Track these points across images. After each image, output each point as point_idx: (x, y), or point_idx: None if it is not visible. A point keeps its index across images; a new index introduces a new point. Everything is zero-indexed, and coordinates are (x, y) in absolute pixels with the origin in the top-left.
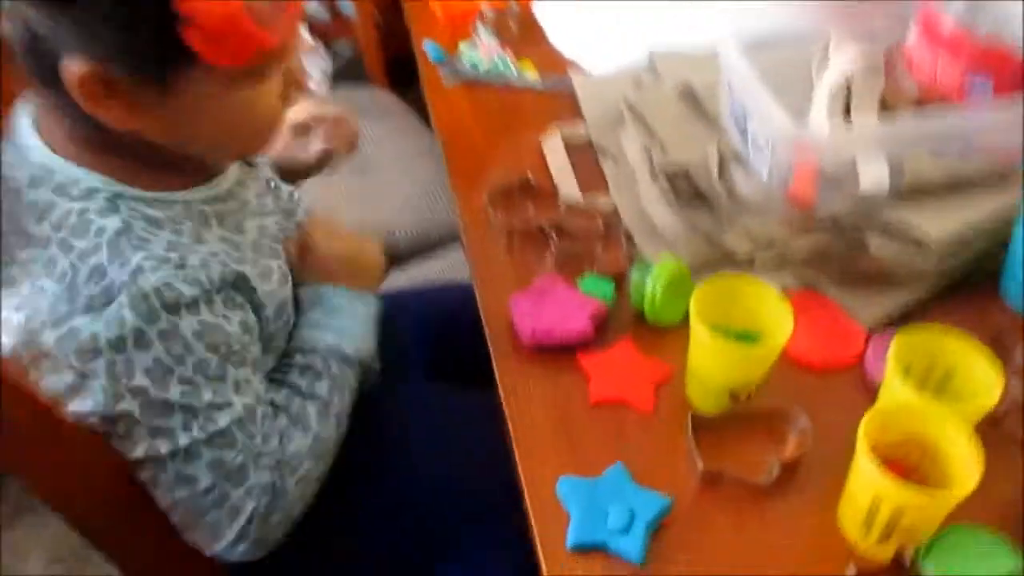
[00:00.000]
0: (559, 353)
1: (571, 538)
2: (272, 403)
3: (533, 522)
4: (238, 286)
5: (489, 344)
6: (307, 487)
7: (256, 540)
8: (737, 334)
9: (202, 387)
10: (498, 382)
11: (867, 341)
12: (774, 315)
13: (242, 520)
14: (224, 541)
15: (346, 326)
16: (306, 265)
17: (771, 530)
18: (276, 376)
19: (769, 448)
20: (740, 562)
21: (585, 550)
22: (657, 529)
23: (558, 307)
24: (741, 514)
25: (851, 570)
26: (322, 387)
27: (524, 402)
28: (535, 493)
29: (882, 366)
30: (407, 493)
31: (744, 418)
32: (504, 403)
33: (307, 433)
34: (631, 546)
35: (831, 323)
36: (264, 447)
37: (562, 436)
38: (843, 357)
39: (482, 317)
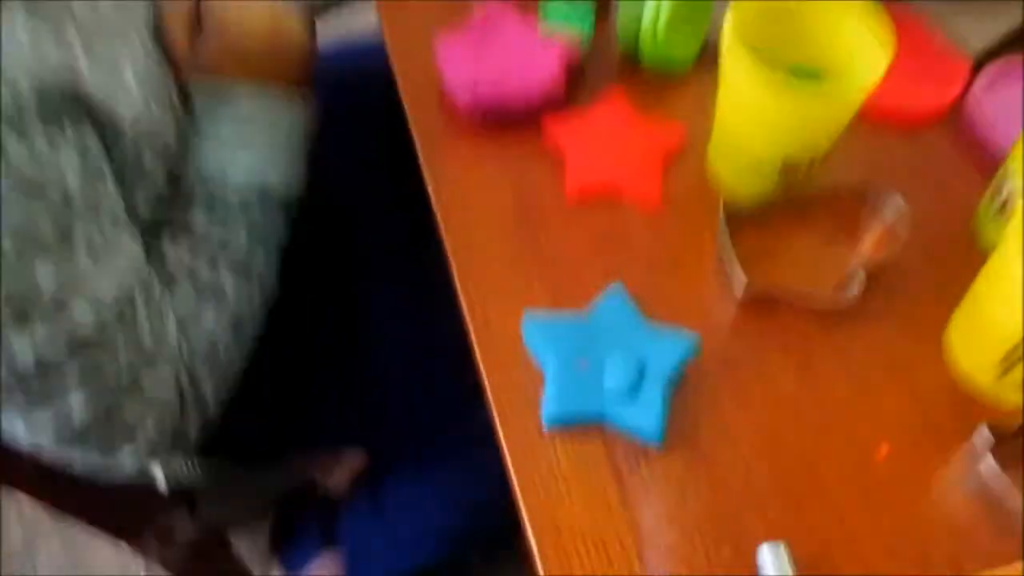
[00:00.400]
0: (514, 124)
1: (548, 410)
2: (161, 271)
3: (488, 388)
4: (67, 100)
5: (408, 118)
6: (228, 377)
7: (168, 453)
8: (792, 70)
9: (34, 266)
10: (425, 176)
11: (971, 78)
12: (857, 39)
13: (140, 443)
14: (125, 469)
15: (268, 146)
16: (204, 52)
17: (849, 377)
18: (165, 232)
19: (841, 251)
20: (806, 429)
21: (569, 427)
22: (679, 387)
23: (510, 51)
24: (804, 355)
25: (982, 434)
26: (238, 238)
27: (464, 203)
28: (487, 342)
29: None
30: (370, 380)
31: (802, 206)
32: (436, 207)
33: (221, 308)
34: (643, 417)
35: (922, 52)
36: (155, 340)
37: (525, 253)
38: (937, 103)
39: (396, 78)
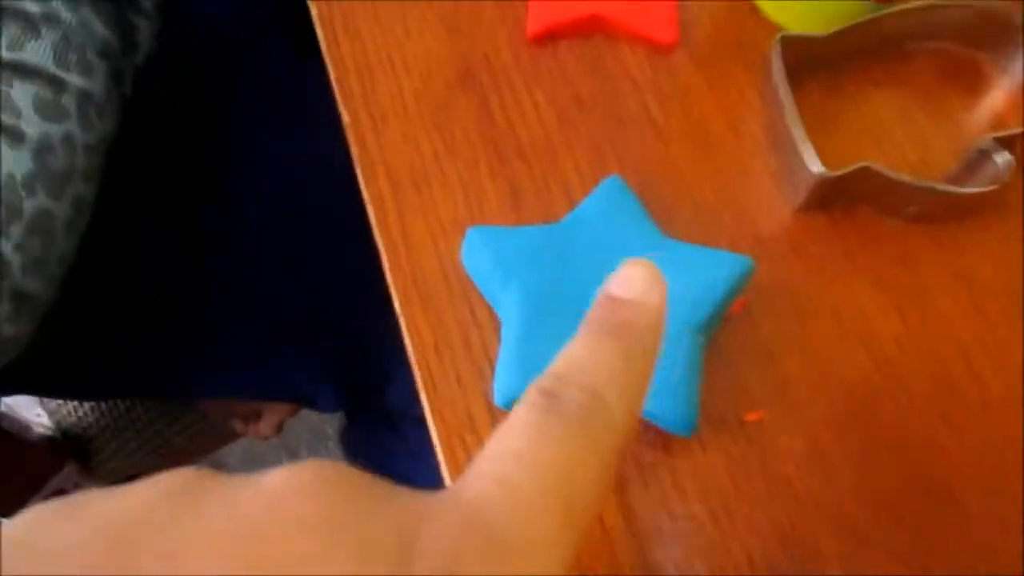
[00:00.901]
0: None
1: (503, 382)
2: None
3: (409, 346)
4: None
5: None
6: (45, 246)
7: None
8: None
9: None
10: (313, 16)
11: None
12: None
13: None
14: None
15: None
16: None
17: (980, 319)
18: None
19: (958, 118)
20: (914, 404)
21: None
22: (716, 341)
23: None
24: (909, 285)
25: None
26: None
27: (371, 57)
28: (408, 274)
29: None
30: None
31: (893, 47)
32: (329, 62)
33: (20, 145)
34: (665, 394)
35: None
36: None
37: (467, 131)
38: None
39: None
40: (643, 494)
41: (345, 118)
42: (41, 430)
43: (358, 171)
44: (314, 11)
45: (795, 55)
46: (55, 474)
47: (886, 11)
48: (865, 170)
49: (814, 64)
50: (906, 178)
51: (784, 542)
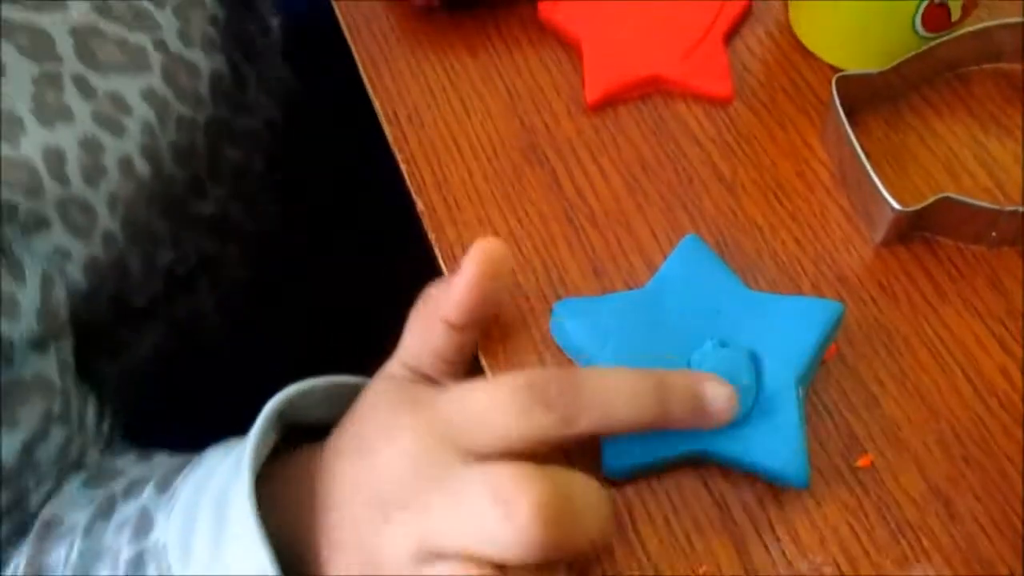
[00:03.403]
0: (495, 8)
1: (611, 455)
2: None
3: None
4: None
5: (343, 26)
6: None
7: None
8: None
9: None
10: (375, 104)
11: None
12: None
13: None
14: None
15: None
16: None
17: None
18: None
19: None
20: None
21: (647, 475)
22: (813, 384)
23: None
24: (1005, 313)
25: None
26: None
27: (432, 134)
28: (495, 352)
29: None
30: None
31: (951, 73)
32: (394, 146)
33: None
34: (774, 445)
35: None
36: None
37: (536, 202)
38: None
39: None
40: (763, 554)
41: (419, 207)
42: None
43: (439, 258)
44: (377, 105)
45: (853, 93)
46: None
47: (939, 40)
48: (945, 200)
49: (873, 100)
50: (987, 204)
51: None
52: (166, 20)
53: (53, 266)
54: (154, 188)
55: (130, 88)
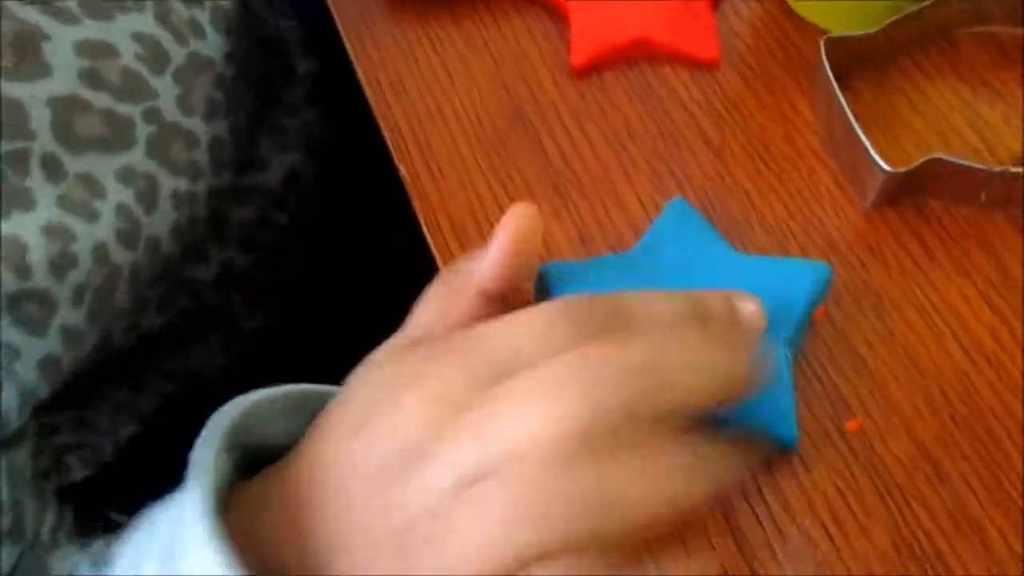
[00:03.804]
0: None
1: None
2: None
3: None
4: None
5: None
6: None
7: None
8: None
9: None
10: (355, 67)
11: None
12: None
13: None
14: None
15: None
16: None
17: None
18: None
19: (1021, 97)
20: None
21: None
22: (802, 347)
23: None
24: (995, 273)
25: None
26: None
27: (417, 101)
28: None
29: None
30: None
31: (938, 37)
32: (375, 109)
33: None
34: (763, 407)
35: None
36: None
37: (523, 167)
38: None
39: None
40: (750, 516)
41: (403, 173)
42: None
43: (421, 224)
44: (360, 73)
45: (841, 56)
46: None
47: (928, 2)
48: (934, 162)
49: (862, 63)
50: (977, 164)
51: (900, 549)
52: (164, 87)
53: None
54: (138, 269)
55: (104, 168)
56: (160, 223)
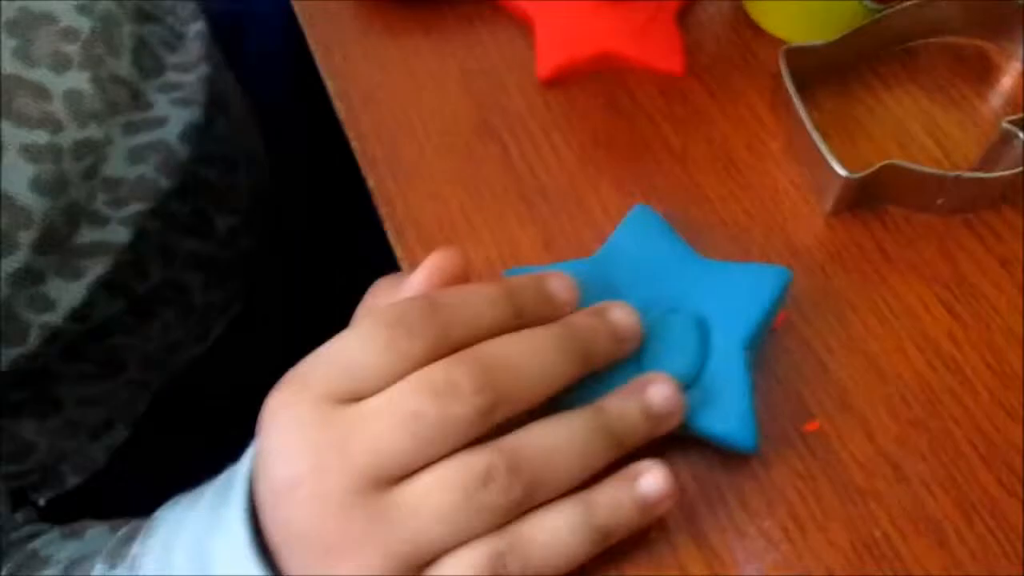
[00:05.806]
0: None
1: None
2: None
3: None
4: None
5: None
6: None
7: None
8: None
9: None
10: (325, 81)
11: None
12: None
13: None
14: None
15: None
16: None
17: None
18: None
19: (970, 106)
20: (978, 399)
21: None
22: (763, 352)
23: None
24: (951, 278)
25: None
26: None
27: (385, 112)
28: None
29: None
30: None
31: (895, 45)
32: (345, 122)
33: None
34: (722, 412)
35: None
36: None
37: (489, 176)
38: None
39: None
40: (710, 517)
41: (370, 183)
42: None
43: (389, 233)
44: (330, 88)
45: (802, 66)
46: None
47: (886, 12)
48: (890, 167)
49: (822, 72)
50: (932, 170)
51: (859, 549)
52: None
53: None
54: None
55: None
56: (15, 177)
